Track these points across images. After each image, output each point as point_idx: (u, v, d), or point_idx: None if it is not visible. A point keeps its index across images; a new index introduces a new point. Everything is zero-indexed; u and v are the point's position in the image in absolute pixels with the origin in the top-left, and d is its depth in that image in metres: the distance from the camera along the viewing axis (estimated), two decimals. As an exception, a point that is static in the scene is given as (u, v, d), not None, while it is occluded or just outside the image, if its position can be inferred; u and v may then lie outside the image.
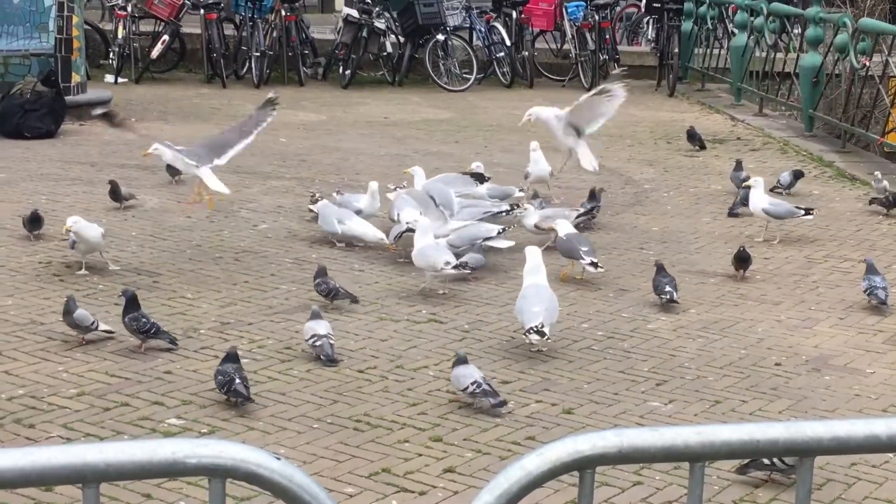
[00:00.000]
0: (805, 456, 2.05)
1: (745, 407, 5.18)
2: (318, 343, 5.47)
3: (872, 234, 8.00)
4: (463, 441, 4.70)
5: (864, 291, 6.48)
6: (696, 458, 2.01)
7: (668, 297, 6.34)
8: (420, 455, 4.56)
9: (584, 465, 1.96)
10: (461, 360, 5.08)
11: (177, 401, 5.00)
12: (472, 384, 4.99)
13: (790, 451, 2.06)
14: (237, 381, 5.01)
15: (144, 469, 1.85)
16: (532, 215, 7.31)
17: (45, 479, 1.82)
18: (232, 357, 5.11)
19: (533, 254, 5.94)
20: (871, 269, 6.50)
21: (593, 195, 8.03)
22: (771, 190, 9.20)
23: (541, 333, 5.54)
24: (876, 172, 8.96)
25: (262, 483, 1.87)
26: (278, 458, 1.90)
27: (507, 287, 6.75)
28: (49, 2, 11.70)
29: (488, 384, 5.02)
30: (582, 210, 7.80)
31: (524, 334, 5.64)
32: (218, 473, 1.88)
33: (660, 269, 6.51)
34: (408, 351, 5.71)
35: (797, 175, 9.23)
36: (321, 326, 5.52)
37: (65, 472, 1.82)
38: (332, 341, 5.52)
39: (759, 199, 7.63)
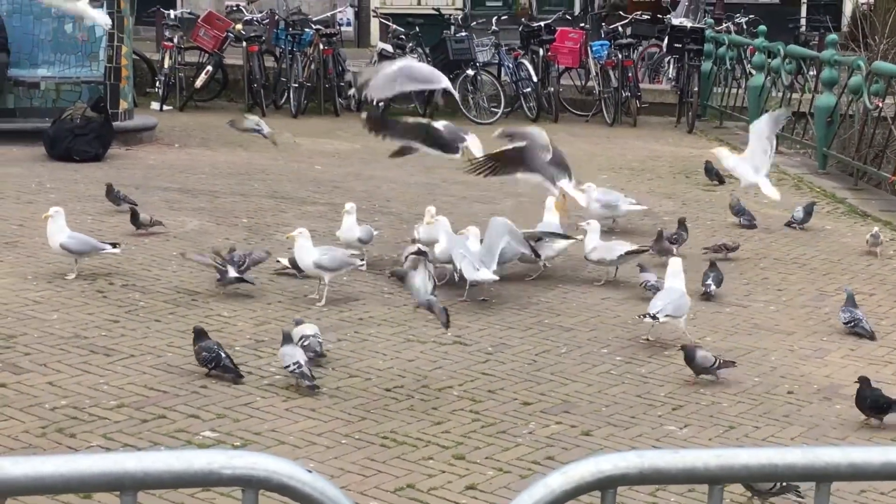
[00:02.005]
0: (822, 482, 2.06)
1: (759, 433, 5.33)
2: (305, 343, 5.71)
3: (883, 268, 8.15)
4: (485, 459, 4.85)
5: (846, 323, 6.68)
6: (715, 480, 2.03)
7: (707, 289, 7.04)
8: (443, 472, 4.71)
9: (606, 485, 1.99)
10: (287, 339, 5.58)
11: (212, 414, 5.18)
12: (294, 364, 5.45)
13: (807, 477, 2.08)
14: (223, 356, 5.44)
15: (181, 479, 1.88)
16: (588, 244, 7.55)
17: (86, 485, 1.87)
18: (202, 333, 5.59)
19: (675, 262, 6.66)
20: (850, 301, 6.75)
21: (682, 224, 8.32)
22: (786, 225, 9.39)
23: (654, 317, 6.26)
24: (875, 230, 8.70)
25: (293, 495, 1.91)
26: (310, 472, 1.93)
27: (530, 312, 6.96)
28: (100, 32, 12.10)
29: (308, 367, 5.47)
30: (635, 247, 7.69)
31: (640, 315, 6.38)
32: (252, 484, 1.91)
33: (712, 264, 7.39)
34: (433, 371, 5.90)
35: (809, 210, 9.40)
36: (308, 328, 5.83)
37: (105, 480, 1.85)
38: (319, 340, 5.81)
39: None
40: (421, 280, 6.05)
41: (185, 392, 5.43)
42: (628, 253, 7.50)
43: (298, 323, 5.97)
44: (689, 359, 5.85)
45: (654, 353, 6.33)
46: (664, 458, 2.00)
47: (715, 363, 5.83)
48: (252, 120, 9.40)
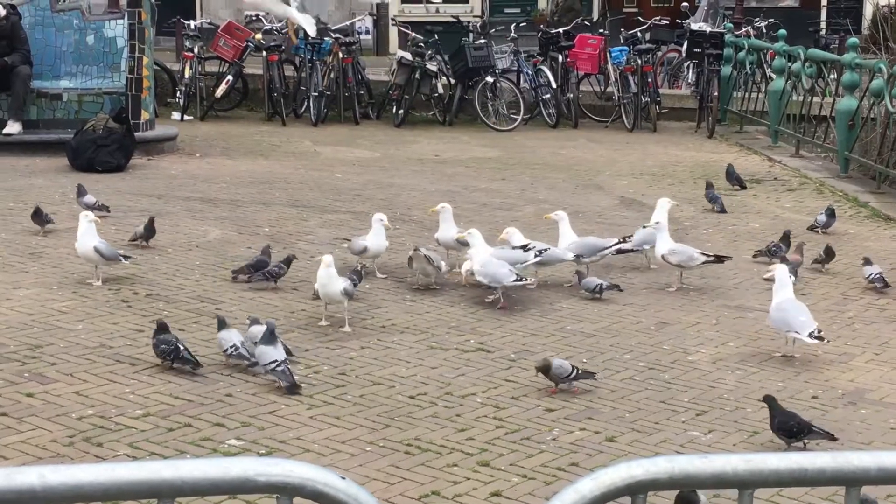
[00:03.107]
0: (851, 486, 2.07)
1: (783, 438, 5.34)
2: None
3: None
4: (509, 466, 4.86)
5: (868, 279, 7.55)
6: (745, 485, 2.03)
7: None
8: (468, 479, 4.72)
9: (636, 490, 1.99)
10: (222, 324, 5.86)
11: (237, 423, 5.21)
12: (231, 347, 5.75)
13: (837, 481, 2.07)
14: (182, 349, 5.68)
15: (217, 486, 1.91)
16: (662, 246, 7.54)
17: (124, 493, 1.88)
18: (164, 328, 5.81)
19: (782, 271, 6.50)
20: (867, 262, 7.54)
21: (786, 237, 8.32)
22: (809, 228, 9.38)
23: (820, 338, 6.16)
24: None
25: (327, 501, 1.93)
26: (343, 479, 1.95)
27: (552, 318, 6.97)
28: (122, 43, 12.20)
29: (245, 349, 5.74)
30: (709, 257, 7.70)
31: (798, 336, 6.21)
32: (287, 491, 1.93)
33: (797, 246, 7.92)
34: (456, 378, 5.92)
35: (831, 213, 9.40)
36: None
37: (143, 488, 1.88)
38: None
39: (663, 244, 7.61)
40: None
41: (211, 401, 5.47)
42: (706, 262, 7.57)
43: (254, 322, 6.04)
44: (545, 369, 5.67)
45: (676, 358, 6.33)
46: (694, 464, 2.01)
47: (572, 373, 5.65)
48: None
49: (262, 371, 5.69)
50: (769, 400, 5.23)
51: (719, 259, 7.71)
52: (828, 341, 6.39)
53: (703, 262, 7.56)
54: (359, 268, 7.25)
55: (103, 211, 8.81)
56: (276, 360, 5.56)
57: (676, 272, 7.67)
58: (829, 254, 8.14)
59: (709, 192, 10.24)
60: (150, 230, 8.14)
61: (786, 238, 8.36)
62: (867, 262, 7.71)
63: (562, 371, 5.66)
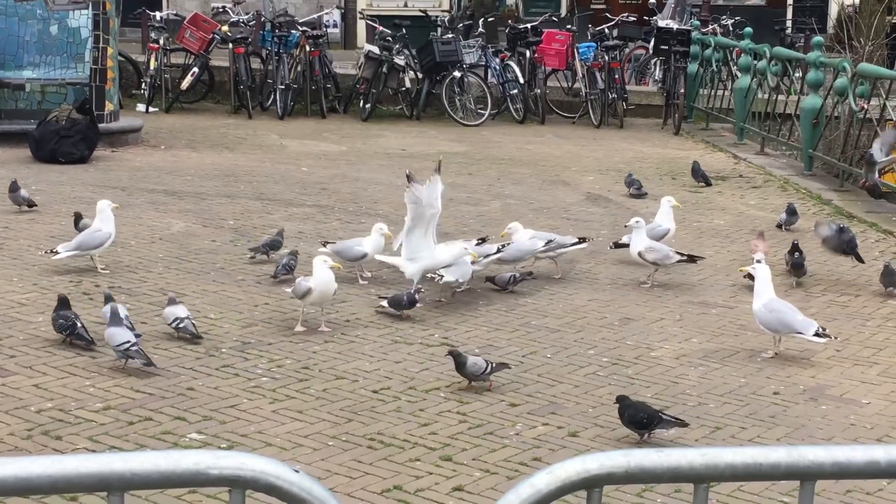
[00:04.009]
0: (806, 480, 2.07)
1: (745, 434, 5.34)
2: (181, 325, 6.02)
3: (868, 269, 8.18)
4: (472, 461, 4.86)
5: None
6: (701, 479, 2.03)
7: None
8: (431, 473, 4.71)
9: (591, 484, 1.98)
10: (109, 299, 5.96)
11: (198, 416, 5.18)
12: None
13: (792, 475, 2.06)
14: (79, 326, 5.81)
15: (168, 479, 1.87)
16: (639, 243, 7.57)
17: (73, 486, 1.85)
18: (65, 302, 5.93)
19: (762, 270, 6.48)
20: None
21: (795, 248, 8.00)
22: (777, 227, 9.43)
23: (826, 335, 6.20)
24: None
25: (281, 495, 1.90)
26: (297, 471, 1.92)
27: (517, 314, 6.97)
28: (86, 33, 12.08)
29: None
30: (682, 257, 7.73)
31: (803, 336, 6.20)
32: (238, 484, 1.90)
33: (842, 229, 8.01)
34: (420, 373, 5.91)
35: (792, 211, 9.41)
36: (180, 310, 6.08)
37: (92, 481, 1.84)
38: (193, 321, 6.09)
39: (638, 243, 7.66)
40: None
41: (172, 394, 5.43)
42: (679, 261, 7.64)
43: (172, 301, 6.13)
44: (460, 365, 5.60)
45: (640, 354, 6.35)
46: (650, 458, 2.00)
47: (487, 368, 5.59)
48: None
49: (113, 354, 5.68)
50: (620, 399, 5.19)
51: (692, 259, 7.76)
52: (835, 337, 6.42)
53: (678, 261, 7.63)
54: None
55: (30, 206, 8.70)
56: (128, 342, 5.59)
57: (651, 269, 7.69)
58: (794, 250, 8.10)
59: (628, 177, 10.74)
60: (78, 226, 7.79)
61: (795, 249, 7.98)
62: (795, 249, 7.86)
63: (476, 368, 5.60)
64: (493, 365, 5.68)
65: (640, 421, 5.08)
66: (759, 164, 12.91)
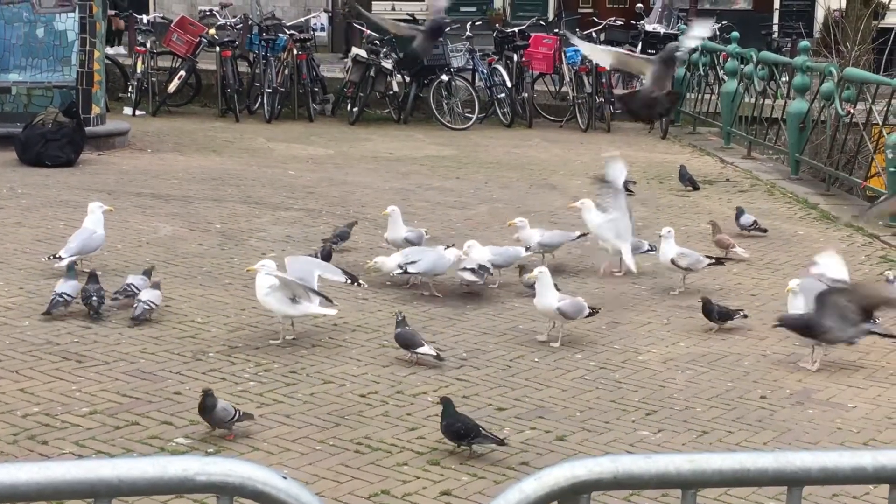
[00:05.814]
0: (793, 486, 2.08)
1: (732, 437, 5.36)
2: (135, 307, 6.42)
3: (854, 273, 8.19)
4: (459, 465, 4.86)
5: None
6: (688, 485, 2.04)
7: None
8: (418, 478, 4.71)
9: (580, 490, 1.98)
10: (93, 277, 6.47)
11: (185, 421, 5.16)
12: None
13: (779, 481, 2.07)
14: (94, 298, 6.37)
15: (156, 485, 1.87)
16: (670, 250, 7.67)
17: (60, 493, 1.84)
18: (94, 278, 6.49)
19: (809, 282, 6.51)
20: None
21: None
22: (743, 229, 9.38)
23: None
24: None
25: (268, 501, 1.90)
26: (285, 478, 1.92)
27: (504, 318, 6.97)
28: (72, 37, 12.04)
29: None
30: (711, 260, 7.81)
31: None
32: (226, 491, 1.90)
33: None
34: (408, 377, 5.90)
35: (740, 213, 9.24)
36: (151, 294, 6.44)
37: (79, 487, 1.84)
38: (150, 307, 6.42)
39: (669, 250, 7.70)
40: None
41: (159, 399, 5.42)
42: (710, 265, 7.74)
43: (156, 286, 6.57)
44: (205, 409, 4.99)
45: (627, 358, 6.36)
46: (638, 464, 2.00)
47: (235, 416, 4.99)
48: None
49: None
50: (444, 401, 5.06)
51: (720, 261, 7.89)
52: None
53: (708, 265, 7.74)
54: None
55: None
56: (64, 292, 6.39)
57: (680, 275, 7.72)
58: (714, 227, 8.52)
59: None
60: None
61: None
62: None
63: (225, 414, 5.02)
64: (241, 414, 5.05)
65: (457, 431, 4.92)
66: (745, 168, 12.95)
